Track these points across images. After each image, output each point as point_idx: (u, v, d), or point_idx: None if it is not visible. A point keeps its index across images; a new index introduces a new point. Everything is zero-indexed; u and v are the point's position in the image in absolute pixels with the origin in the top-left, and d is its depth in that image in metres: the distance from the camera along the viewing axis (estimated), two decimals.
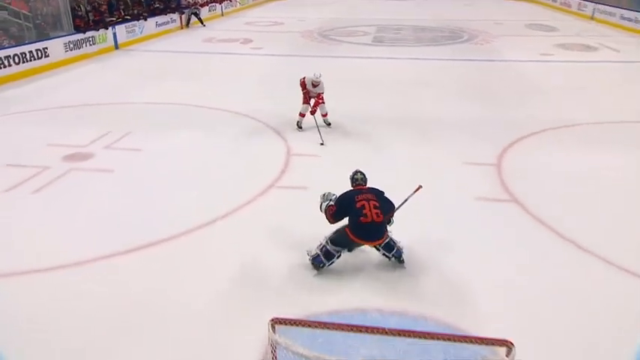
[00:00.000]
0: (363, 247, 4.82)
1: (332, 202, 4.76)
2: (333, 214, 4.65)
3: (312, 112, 8.61)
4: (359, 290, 4.63)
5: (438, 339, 2.62)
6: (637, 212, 6.17)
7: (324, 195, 4.97)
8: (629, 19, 19.82)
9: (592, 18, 23.02)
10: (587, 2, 23.92)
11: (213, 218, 5.87)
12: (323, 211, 4.81)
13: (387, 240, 4.70)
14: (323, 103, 8.71)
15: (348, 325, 2.69)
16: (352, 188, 4.86)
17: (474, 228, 5.71)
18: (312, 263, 4.78)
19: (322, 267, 4.75)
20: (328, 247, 4.64)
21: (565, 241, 5.46)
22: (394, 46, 17.72)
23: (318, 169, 7.31)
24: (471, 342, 2.58)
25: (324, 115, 8.86)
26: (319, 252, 4.70)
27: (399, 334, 2.61)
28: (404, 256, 4.87)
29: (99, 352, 3.95)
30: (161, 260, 5.13)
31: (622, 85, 12.13)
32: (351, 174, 5.00)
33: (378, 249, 4.74)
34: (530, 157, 7.80)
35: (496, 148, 7.99)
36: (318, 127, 8.41)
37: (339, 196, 4.76)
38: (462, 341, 2.59)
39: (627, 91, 11.67)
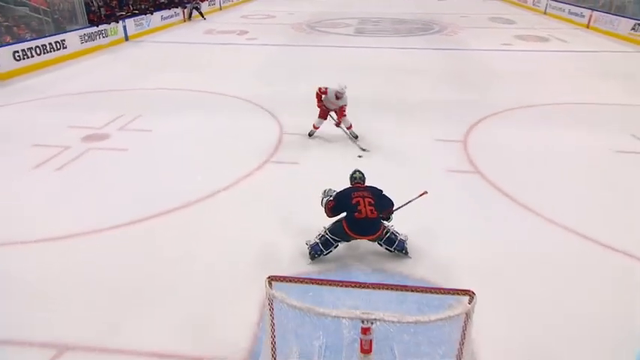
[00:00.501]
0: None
1: (331, 198, 4.56)
2: (331, 209, 4.46)
3: (337, 125, 7.27)
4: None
5: (412, 291, 2.63)
6: (582, 180, 6.24)
7: (324, 191, 4.77)
8: (576, 14, 19.87)
9: (545, 12, 22.95)
10: None
11: (216, 190, 5.83)
12: (323, 205, 4.62)
13: (386, 235, 4.44)
14: (345, 116, 7.21)
15: (335, 281, 2.70)
16: (351, 186, 4.64)
17: (442, 194, 5.71)
18: (310, 252, 4.51)
19: (318, 256, 4.48)
20: (327, 236, 4.43)
21: (519, 205, 5.53)
22: (374, 36, 17.39)
23: (307, 146, 7.25)
24: (440, 293, 2.59)
25: (349, 128, 7.39)
26: (318, 240, 4.48)
27: (379, 288, 2.62)
28: (407, 247, 4.54)
29: (108, 316, 3.85)
30: (171, 229, 5.07)
31: (570, 72, 12.06)
32: (350, 173, 4.77)
33: (380, 244, 4.49)
34: (491, 134, 7.79)
35: (464, 126, 7.97)
36: (350, 137, 7.17)
37: (338, 193, 4.56)
38: (432, 292, 2.61)
39: (574, 77, 11.61)
